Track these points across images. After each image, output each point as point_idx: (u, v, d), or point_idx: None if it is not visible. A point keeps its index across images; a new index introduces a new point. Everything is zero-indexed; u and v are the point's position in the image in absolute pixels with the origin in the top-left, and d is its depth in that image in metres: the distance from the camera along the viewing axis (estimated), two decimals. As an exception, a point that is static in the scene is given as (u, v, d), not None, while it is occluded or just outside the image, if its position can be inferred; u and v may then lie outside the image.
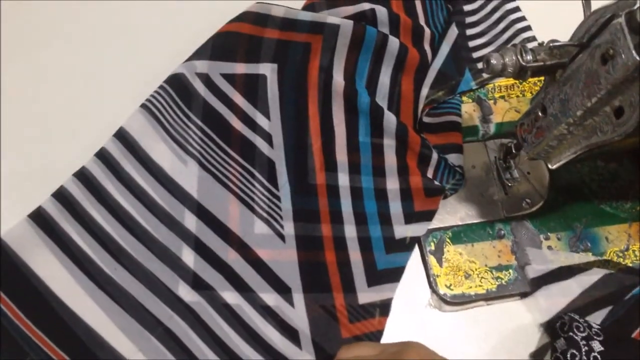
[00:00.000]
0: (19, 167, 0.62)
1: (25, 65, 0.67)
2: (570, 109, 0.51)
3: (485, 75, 0.71)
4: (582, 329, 0.55)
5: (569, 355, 0.53)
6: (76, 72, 0.67)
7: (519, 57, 0.52)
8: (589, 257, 0.64)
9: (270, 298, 0.59)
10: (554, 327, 0.58)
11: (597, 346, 0.54)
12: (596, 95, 0.48)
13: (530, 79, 0.68)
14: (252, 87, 0.66)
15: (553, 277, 0.62)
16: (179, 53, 0.65)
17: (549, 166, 0.58)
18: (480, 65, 0.72)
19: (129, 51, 0.69)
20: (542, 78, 0.68)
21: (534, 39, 0.74)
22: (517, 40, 0.74)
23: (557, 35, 0.53)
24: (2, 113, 0.64)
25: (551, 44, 0.52)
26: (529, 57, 0.52)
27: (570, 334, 0.55)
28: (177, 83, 0.64)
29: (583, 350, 0.53)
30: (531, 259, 0.63)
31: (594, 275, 0.62)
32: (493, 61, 0.53)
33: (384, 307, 0.61)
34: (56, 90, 0.66)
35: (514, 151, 0.64)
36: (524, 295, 0.63)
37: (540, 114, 0.55)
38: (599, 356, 0.53)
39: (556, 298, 0.61)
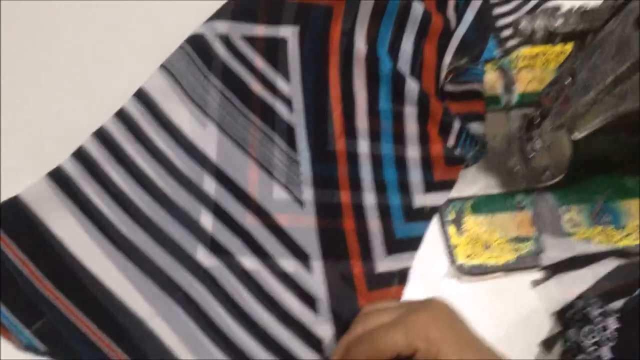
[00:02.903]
0: (38, 127, 0.61)
1: (44, 25, 0.66)
2: (600, 76, 0.50)
3: (509, 44, 0.69)
4: (598, 306, 0.55)
5: (583, 331, 0.52)
6: (95, 31, 0.66)
7: (548, 22, 0.51)
8: (605, 247, 0.63)
9: (289, 264, 0.59)
10: (566, 317, 0.58)
11: (613, 323, 0.53)
12: (628, 61, 0.47)
13: (554, 49, 0.67)
14: (273, 50, 0.65)
15: (567, 266, 0.62)
16: (199, 12, 0.64)
17: (574, 136, 0.57)
18: (504, 33, 0.70)
19: (148, 10, 0.68)
20: (568, 48, 0.67)
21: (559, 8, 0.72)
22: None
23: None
24: (20, 71, 0.63)
25: (582, 9, 0.51)
26: (559, 22, 0.51)
27: (587, 310, 0.54)
28: (197, 44, 0.63)
29: (598, 326, 0.53)
30: (546, 246, 0.62)
31: (608, 266, 0.62)
32: (522, 26, 0.52)
33: (402, 276, 0.60)
34: (75, 49, 0.65)
35: (536, 122, 0.63)
36: (542, 268, 0.62)
37: (567, 81, 0.54)
38: (614, 334, 0.52)
39: (569, 287, 0.60)
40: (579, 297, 0.58)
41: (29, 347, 0.53)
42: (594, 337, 0.52)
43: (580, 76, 0.53)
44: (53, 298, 0.55)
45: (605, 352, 0.50)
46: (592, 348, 0.51)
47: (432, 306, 0.50)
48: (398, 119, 0.65)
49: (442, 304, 0.51)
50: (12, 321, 0.53)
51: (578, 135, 0.57)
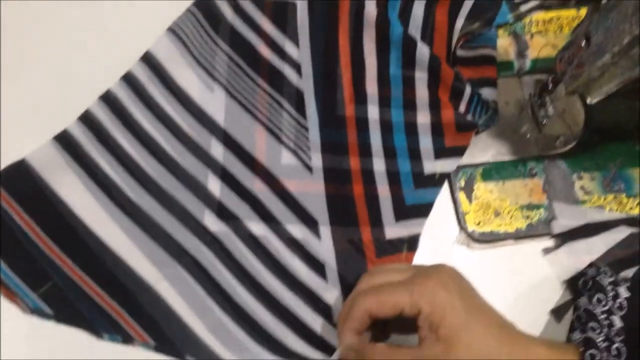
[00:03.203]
0: (44, 89, 0.61)
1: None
2: (616, 38, 0.49)
3: (522, 9, 0.68)
4: (609, 274, 0.54)
5: (595, 300, 0.51)
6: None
7: (564, -18, 0.50)
8: (617, 215, 0.62)
9: (297, 230, 0.59)
10: (577, 285, 0.57)
11: (623, 292, 0.52)
12: (646, 20, 0.46)
13: (568, 13, 0.66)
14: (281, 13, 0.64)
15: (579, 234, 0.61)
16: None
17: (588, 101, 0.56)
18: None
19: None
20: (582, 13, 0.66)
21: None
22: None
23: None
24: (24, 34, 0.63)
25: (599, -31, 0.50)
26: (575, -18, 0.50)
27: (598, 278, 0.53)
28: (204, 7, 0.62)
29: (610, 294, 0.52)
30: (557, 213, 0.62)
31: (619, 234, 0.61)
32: (537, -13, 0.51)
33: (412, 243, 0.60)
34: (81, 10, 0.64)
35: (550, 87, 0.62)
36: (553, 236, 0.61)
37: (582, 44, 0.53)
38: (625, 302, 0.51)
39: (580, 255, 0.59)
40: (590, 265, 0.57)
41: (35, 311, 0.53)
42: (605, 306, 0.51)
43: (595, 39, 0.51)
44: (59, 261, 0.54)
45: (616, 320, 0.50)
46: (603, 316, 0.50)
47: (440, 271, 0.49)
48: (408, 84, 0.64)
49: (451, 270, 0.50)
50: (18, 284, 0.53)
51: (592, 100, 0.55)
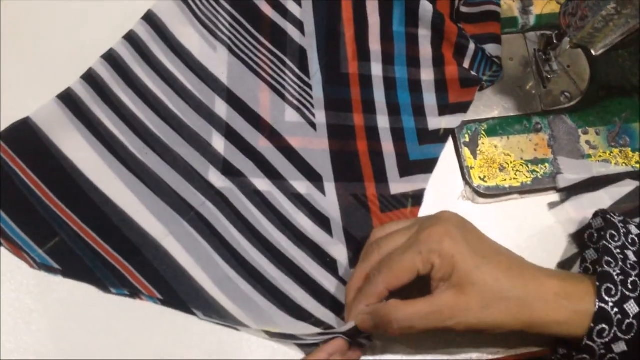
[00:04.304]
0: (48, 49, 0.61)
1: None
2: (620, -15, 0.49)
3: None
4: (618, 215, 0.54)
5: (608, 235, 0.51)
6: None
7: None
8: (622, 168, 0.62)
9: (302, 186, 0.59)
10: (583, 238, 0.57)
11: (634, 229, 0.52)
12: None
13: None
14: None
15: (584, 188, 0.61)
16: None
17: (593, 53, 0.56)
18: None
19: None
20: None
21: None
22: None
23: None
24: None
25: None
26: None
27: (608, 216, 0.53)
28: (206, -35, 0.62)
29: (621, 231, 0.52)
30: (563, 168, 0.61)
31: (625, 187, 0.61)
32: None
33: (417, 198, 0.60)
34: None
35: (555, 41, 0.62)
36: (559, 190, 0.61)
37: (586, -7, 0.53)
38: (637, 238, 0.51)
39: (586, 209, 0.60)
40: (595, 216, 0.57)
41: (42, 266, 0.53)
42: (618, 241, 0.51)
43: (599, -13, 0.51)
44: (66, 217, 0.55)
45: (631, 254, 0.50)
46: (617, 251, 0.50)
47: (443, 221, 0.49)
48: (412, 41, 0.64)
49: (453, 217, 0.50)
50: (24, 240, 0.53)
51: (596, 52, 0.55)
